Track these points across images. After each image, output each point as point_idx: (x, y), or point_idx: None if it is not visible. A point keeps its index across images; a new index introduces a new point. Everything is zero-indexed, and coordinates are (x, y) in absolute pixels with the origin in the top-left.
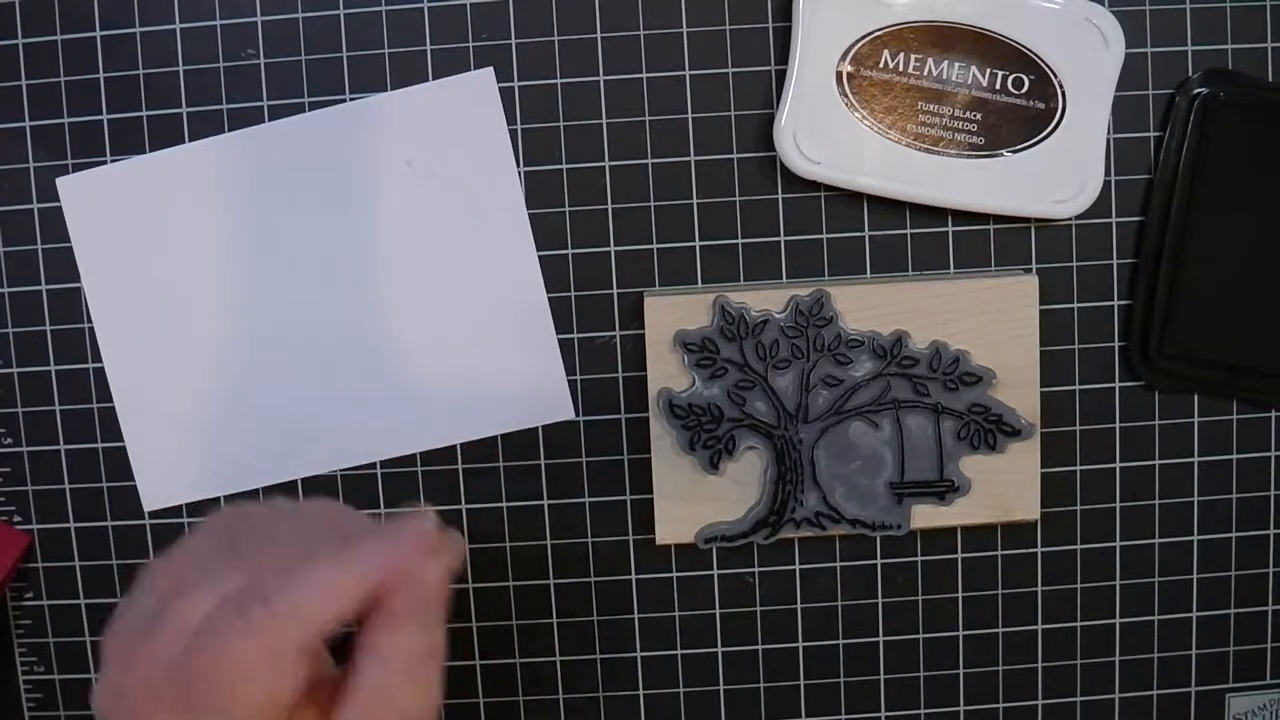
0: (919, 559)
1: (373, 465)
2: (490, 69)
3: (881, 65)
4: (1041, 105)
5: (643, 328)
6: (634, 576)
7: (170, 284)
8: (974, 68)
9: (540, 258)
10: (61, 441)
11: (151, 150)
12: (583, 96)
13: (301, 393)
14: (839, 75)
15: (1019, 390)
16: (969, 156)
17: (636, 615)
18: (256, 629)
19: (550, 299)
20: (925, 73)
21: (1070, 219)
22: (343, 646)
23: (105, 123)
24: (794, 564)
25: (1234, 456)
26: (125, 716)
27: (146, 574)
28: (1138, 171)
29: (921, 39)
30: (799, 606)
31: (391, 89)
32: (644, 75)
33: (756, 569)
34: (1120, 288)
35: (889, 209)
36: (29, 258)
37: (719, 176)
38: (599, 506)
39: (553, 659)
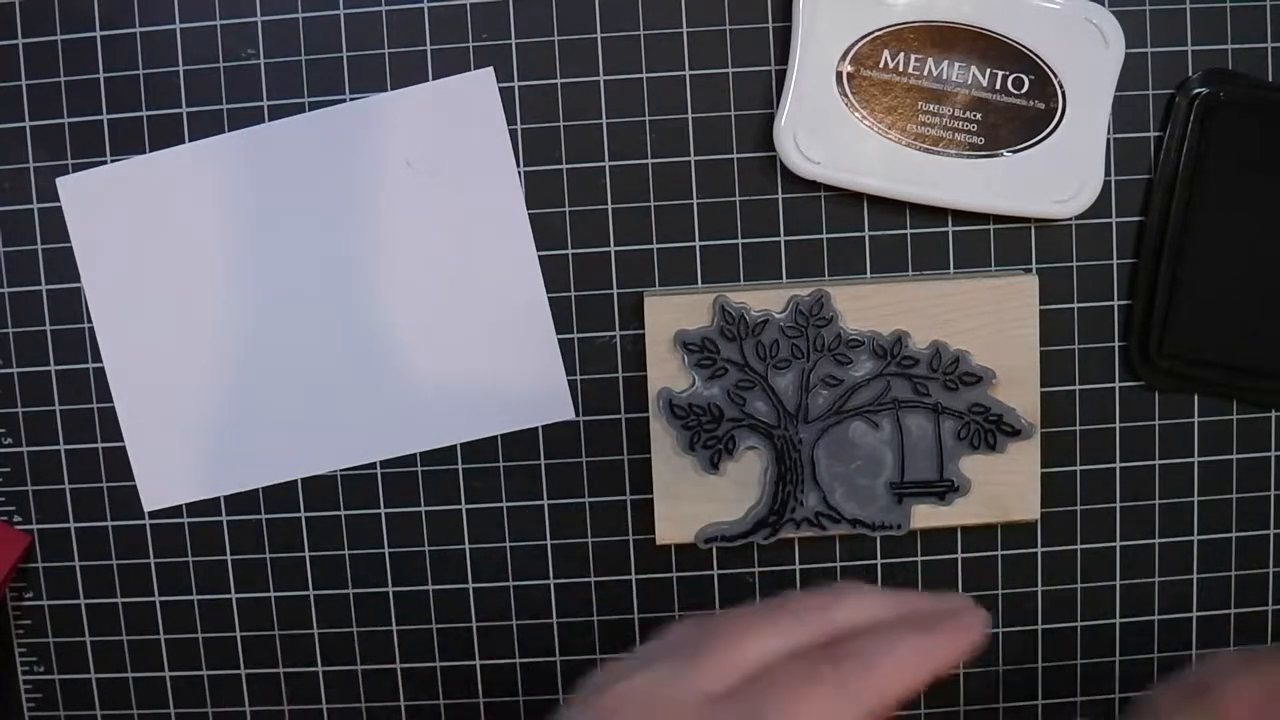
0: (919, 559)
1: (373, 465)
2: (490, 69)
3: (881, 65)
4: (1041, 105)
5: (643, 328)
6: (634, 576)
7: (170, 284)
8: (974, 68)
9: (540, 258)
10: (61, 441)
11: (151, 150)
12: (583, 96)
13: (301, 393)
14: (839, 75)
15: (1019, 390)
16: (969, 156)
17: (636, 615)
18: (825, 690)
19: (550, 299)
20: (925, 73)
21: (1070, 219)
22: None
23: (105, 123)
24: (794, 564)
25: (1234, 456)
26: None
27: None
28: (1138, 171)
29: (921, 39)
30: None
31: (391, 89)
32: (644, 75)
33: (756, 569)
34: (1120, 288)
35: (889, 209)
36: (29, 258)
37: (719, 176)
38: (599, 506)
39: (553, 659)
